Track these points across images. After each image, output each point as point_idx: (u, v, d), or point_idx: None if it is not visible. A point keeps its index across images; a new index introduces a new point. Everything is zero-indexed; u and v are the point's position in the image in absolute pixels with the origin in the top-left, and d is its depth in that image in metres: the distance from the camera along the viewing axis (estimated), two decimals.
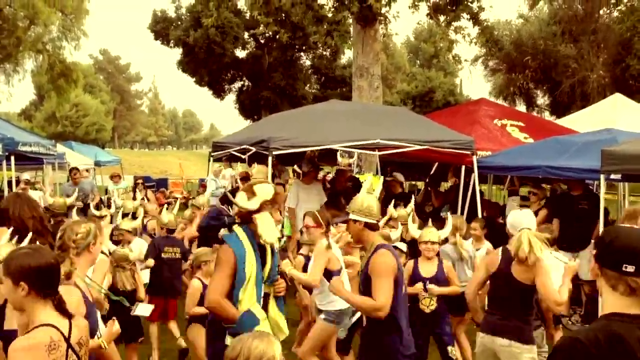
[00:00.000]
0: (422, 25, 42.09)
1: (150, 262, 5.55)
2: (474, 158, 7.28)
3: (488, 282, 3.85)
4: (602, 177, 5.75)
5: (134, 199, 7.99)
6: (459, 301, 4.49)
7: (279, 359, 2.01)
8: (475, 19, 12.23)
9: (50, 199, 6.05)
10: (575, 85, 26.27)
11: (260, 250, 3.31)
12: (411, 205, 6.06)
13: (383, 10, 11.23)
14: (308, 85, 34.99)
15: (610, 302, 1.82)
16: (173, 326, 5.71)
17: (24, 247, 2.46)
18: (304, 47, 32.53)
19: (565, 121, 11.22)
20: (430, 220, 5.01)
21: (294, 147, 6.57)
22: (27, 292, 2.22)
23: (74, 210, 6.36)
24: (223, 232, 5.69)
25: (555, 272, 3.67)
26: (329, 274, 4.36)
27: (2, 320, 2.98)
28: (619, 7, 22.99)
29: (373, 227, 3.45)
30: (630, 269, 1.76)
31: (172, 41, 31.11)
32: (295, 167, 10.72)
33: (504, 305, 3.65)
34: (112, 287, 4.71)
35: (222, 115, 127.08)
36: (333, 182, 9.13)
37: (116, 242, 5.68)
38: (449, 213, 5.41)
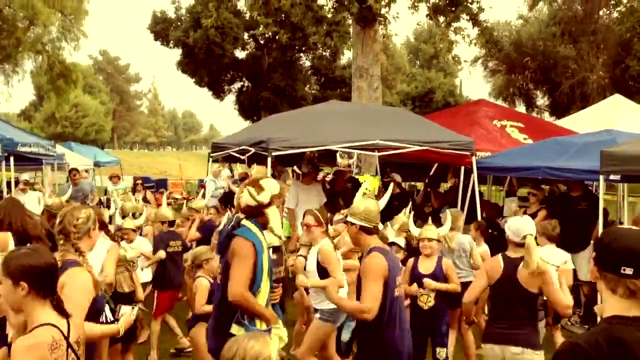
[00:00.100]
0: (421, 26, 42.28)
1: (162, 253, 5.61)
2: (474, 159, 7.28)
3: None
4: (601, 178, 5.76)
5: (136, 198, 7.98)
6: (459, 294, 4.49)
7: (275, 359, 2.01)
8: (474, 19, 12.25)
9: (50, 199, 6.04)
10: (574, 86, 26.28)
11: None
12: (409, 206, 6.02)
13: (383, 11, 11.25)
14: (308, 85, 34.98)
15: (611, 304, 1.81)
16: (174, 325, 5.74)
17: (23, 248, 2.48)
18: (303, 48, 32.52)
19: (565, 122, 11.22)
20: (430, 220, 5.02)
21: (293, 147, 6.57)
22: (27, 292, 2.24)
23: None
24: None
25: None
26: (325, 274, 4.36)
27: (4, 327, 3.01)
28: (618, 8, 23.06)
29: (370, 231, 3.45)
30: (629, 271, 1.74)
31: (171, 42, 31.09)
32: (295, 167, 10.71)
33: (511, 313, 3.62)
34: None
35: (222, 116, 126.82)
36: (332, 183, 9.14)
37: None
38: (447, 211, 5.39)
